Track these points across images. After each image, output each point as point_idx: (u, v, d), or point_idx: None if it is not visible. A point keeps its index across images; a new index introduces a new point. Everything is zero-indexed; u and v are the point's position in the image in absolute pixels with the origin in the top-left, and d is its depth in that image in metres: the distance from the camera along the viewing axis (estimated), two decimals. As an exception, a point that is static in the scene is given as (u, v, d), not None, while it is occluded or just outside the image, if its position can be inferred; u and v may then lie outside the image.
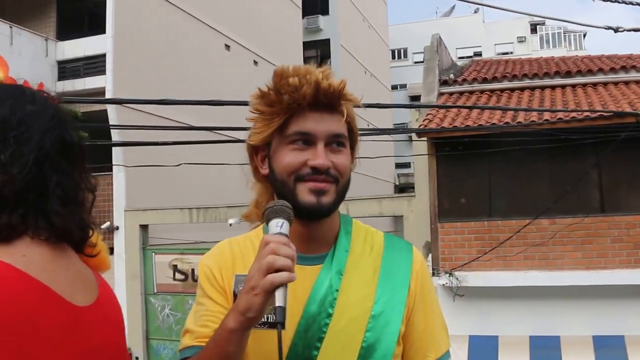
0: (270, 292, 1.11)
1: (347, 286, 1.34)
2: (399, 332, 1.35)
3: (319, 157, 1.30)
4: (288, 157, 1.32)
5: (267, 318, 1.26)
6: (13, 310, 0.97)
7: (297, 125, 1.32)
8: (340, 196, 1.35)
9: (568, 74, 11.34)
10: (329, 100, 1.31)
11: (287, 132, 1.33)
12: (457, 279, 9.81)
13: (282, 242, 1.14)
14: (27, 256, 1.06)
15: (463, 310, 9.79)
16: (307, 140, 1.32)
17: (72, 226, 1.14)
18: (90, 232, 1.22)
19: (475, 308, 9.79)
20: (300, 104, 1.30)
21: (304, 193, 1.31)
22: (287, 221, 1.20)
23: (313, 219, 1.34)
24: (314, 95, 1.29)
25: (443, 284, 9.83)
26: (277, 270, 1.11)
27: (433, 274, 10.01)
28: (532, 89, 11.20)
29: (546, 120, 9.34)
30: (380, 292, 1.36)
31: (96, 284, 1.21)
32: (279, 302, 1.10)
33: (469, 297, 9.79)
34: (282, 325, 1.10)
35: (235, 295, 1.33)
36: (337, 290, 1.33)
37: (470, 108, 10.17)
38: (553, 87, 11.23)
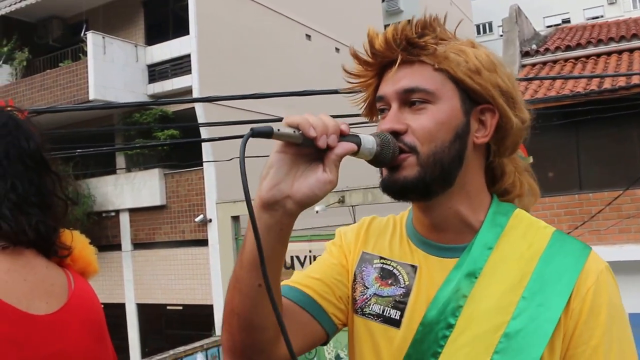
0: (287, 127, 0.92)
1: (481, 293, 1.05)
2: None
3: (385, 120, 1.08)
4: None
5: (384, 311, 1.13)
6: None
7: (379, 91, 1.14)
8: (435, 170, 1.05)
9: (659, 34, 10.69)
10: (391, 52, 1.08)
11: None
12: (548, 255, 9.50)
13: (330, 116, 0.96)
14: None
15: (556, 287, 9.46)
16: (387, 107, 1.11)
17: (24, 229, 1.13)
18: (56, 234, 1.22)
19: (570, 285, 9.44)
20: (372, 66, 1.13)
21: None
22: (377, 139, 1.02)
23: (396, 199, 1.11)
24: (371, 52, 1.10)
25: (534, 262, 9.54)
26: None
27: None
28: (620, 52, 10.60)
29: (635, 84, 8.87)
30: (523, 305, 1.02)
31: (66, 289, 1.20)
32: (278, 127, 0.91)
33: (562, 274, 9.45)
34: (252, 133, 0.87)
35: (355, 276, 1.19)
36: (464, 297, 1.05)
37: (553, 78, 9.80)
38: (643, 49, 10.61)
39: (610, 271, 1.06)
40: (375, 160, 1.02)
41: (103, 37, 14.64)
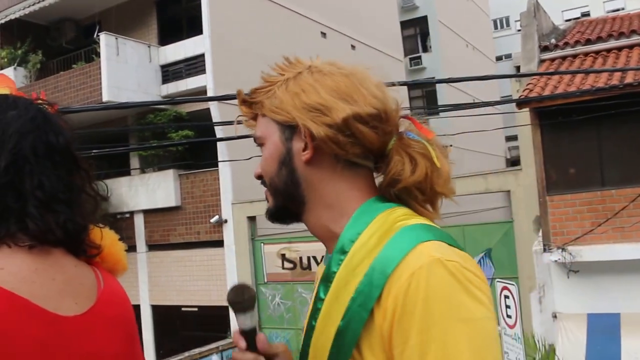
0: None
1: (332, 296, 1.11)
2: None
3: None
4: None
5: (306, 323, 1.24)
6: None
7: None
8: (279, 197, 1.21)
9: (683, 25, 10.41)
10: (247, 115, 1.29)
11: None
12: (570, 254, 9.33)
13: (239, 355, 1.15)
14: (5, 268, 1.02)
15: (579, 286, 9.33)
16: None
17: (52, 227, 1.09)
18: (86, 233, 1.18)
19: (592, 284, 9.27)
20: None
21: None
22: (244, 313, 1.17)
23: (280, 224, 1.29)
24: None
25: (556, 260, 9.40)
26: None
27: (544, 250, 9.58)
28: (642, 45, 10.37)
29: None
30: (350, 304, 1.05)
31: (95, 288, 1.16)
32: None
33: (584, 273, 9.28)
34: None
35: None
36: (321, 300, 1.12)
37: (573, 73, 9.59)
38: (666, 42, 10.33)
39: (442, 265, 0.98)
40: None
41: (116, 38, 14.63)
